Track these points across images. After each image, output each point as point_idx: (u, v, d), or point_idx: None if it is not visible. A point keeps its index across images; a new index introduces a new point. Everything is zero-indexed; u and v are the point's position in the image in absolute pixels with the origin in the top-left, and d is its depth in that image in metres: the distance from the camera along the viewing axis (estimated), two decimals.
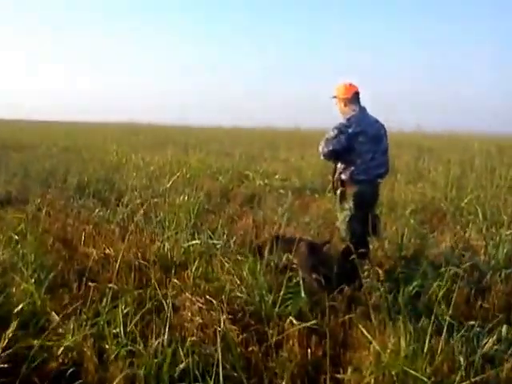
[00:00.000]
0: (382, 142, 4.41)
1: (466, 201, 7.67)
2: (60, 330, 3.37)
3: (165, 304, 3.53)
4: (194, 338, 3.13)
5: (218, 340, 2.76)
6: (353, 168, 4.27)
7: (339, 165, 4.41)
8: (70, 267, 4.58)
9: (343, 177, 4.33)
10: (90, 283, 4.19)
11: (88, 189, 8.69)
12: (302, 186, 9.10)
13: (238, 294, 3.93)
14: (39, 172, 10.41)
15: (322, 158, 4.41)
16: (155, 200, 7.64)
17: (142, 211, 6.64)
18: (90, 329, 3.29)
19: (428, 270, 4.55)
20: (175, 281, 4.24)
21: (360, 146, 4.22)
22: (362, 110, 4.37)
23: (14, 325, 3.40)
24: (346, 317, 3.64)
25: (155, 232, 5.67)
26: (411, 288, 4.19)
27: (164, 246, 5.02)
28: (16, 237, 4.87)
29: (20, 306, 3.58)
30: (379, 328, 3.43)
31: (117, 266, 4.53)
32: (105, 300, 3.65)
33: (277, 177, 10.13)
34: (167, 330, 3.08)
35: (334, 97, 4.46)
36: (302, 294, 3.86)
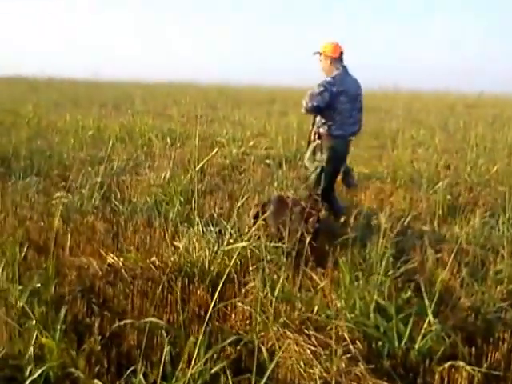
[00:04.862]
0: (358, 100, 4.84)
1: (494, 169, 7.16)
2: None
3: (264, 351, 2.54)
4: None
5: None
6: (331, 123, 4.69)
7: (318, 118, 4.77)
8: (69, 291, 3.34)
9: (321, 130, 4.75)
10: (110, 314, 3.09)
11: (19, 163, 7.18)
12: (291, 156, 8.16)
13: (348, 324, 2.97)
14: None
15: (304, 111, 4.74)
16: (122, 178, 6.46)
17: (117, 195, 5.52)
18: None
19: None
20: (240, 304, 3.20)
21: (341, 104, 4.63)
22: (345, 69, 4.75)
23: None
24: None
25: (163, 226, 4.52)
26: None
27: (190, 249, 3.89)
28: None
29: (37, 373, 2.38)
30: None
31: (137, 285, 3.44)
32: (153, 342, 2.59)
33: (251, 144, 9.11)
34: None
35: (320, 53, 4.79)
36: (430, 317, 2.97)
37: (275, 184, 6.71)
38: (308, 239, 3.66)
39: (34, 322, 2.73)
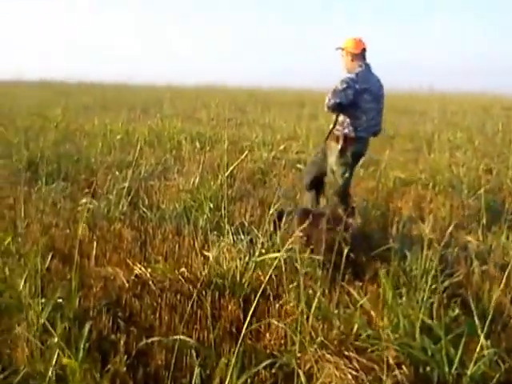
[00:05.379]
0: (381, 101, 4.71)
1: None
2: None
3: (301, 375, 2.34)
4: None
5: None
6: (357, 124, 4.54)
7: (342, 118, 4.59)
8: (94, 304, 3.20)
9: (346, 131, 4.57)
10: (136, 331, 2.93)
11: (46, 167, 7.11)
12: None
13: (392, 345, 2.74)
14: None
15: (326, 109, 4.54)
16: (150, 183, 6.34)
17: (145, 201, 5.38)
18: None
19: None
20: (274, 322, 2.99)
21: (365, 103, 4.49)
22: (368, 67, 4.62)
23: None
24: None
25: (192, 235, 4.36)
26: None
27: (220, 260, 3.71)
28: None
29: None
30: None
31: (165, 298, 3.28)
32: (182, 362, 2.42)
33: (282, 147, 8.92)
34: None
35: (342, 49, 4.65)
36: (483, 340, 2.72)
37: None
38: (346, 251, 3.44)
39: (56, 339, 2.58)
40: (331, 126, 4.72)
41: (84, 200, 5.16)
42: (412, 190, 6.50)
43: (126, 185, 5.53)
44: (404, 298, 3.06)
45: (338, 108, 4.49)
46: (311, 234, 4.00)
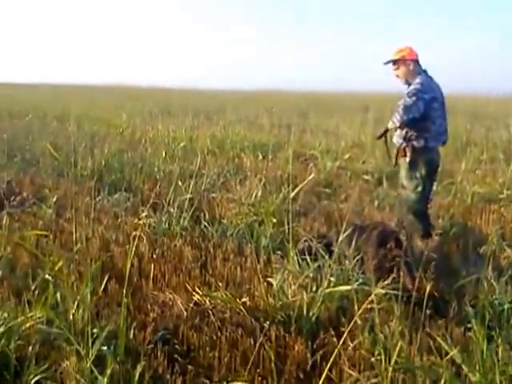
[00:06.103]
0: (445, 107, 4.44)
1: None
2: None
3: None
4: None
5: None
6: (427, 135, 4.29)
7: (411, 132, 4.32)
8: (150, 335, 2.93)
9: (416, 144, 4.31)
10: (194, 370, 2.64)
11: (109, 176, 6.99)
12: (392, 171, 7.42)
13: None
14: (35, 153, 8.52)
15: (395, 126, 4.31)
16: (212, 195, 6.08)
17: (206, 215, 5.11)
18: None
19: None
20: (347, 370, 2.61)
21: (434, 112, 4.28)
22: (426, 73, 4.42)
23: None
24: None
25: (254, 255, 4.04)
26: None
27: (285, 288, 3.35)
28: (50, 278, 3.17)
29: None
30: None
31: (225, 332, 2.97)
32: None
33: (346, 156, 8.47)
34: None
35: (397, 60, 4.42)
36: None
37: (375, 203, 6.13)
38: (428, 287, 2.99)
39: (105, 380, 2.32)
40: (398, 140, 4.43)
41: (145, 213, 4.93)
42: (493, 207, 5.92)
43: (188, 197, 5.28)
44: (500, 348, 2.58)
45: (410, 123, 4.27)
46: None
